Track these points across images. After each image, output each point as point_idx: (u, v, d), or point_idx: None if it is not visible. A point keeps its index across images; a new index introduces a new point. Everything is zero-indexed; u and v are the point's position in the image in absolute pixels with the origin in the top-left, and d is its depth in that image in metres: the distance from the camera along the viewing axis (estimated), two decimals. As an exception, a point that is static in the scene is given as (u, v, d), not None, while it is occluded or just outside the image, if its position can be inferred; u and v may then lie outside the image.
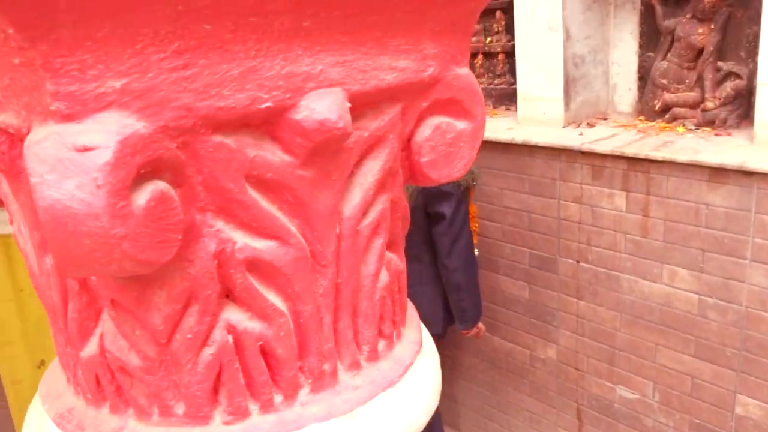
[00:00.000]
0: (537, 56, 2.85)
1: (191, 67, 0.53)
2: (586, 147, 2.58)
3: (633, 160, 2.49)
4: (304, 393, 0.72)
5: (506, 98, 3.22)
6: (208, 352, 0.65)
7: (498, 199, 2.95)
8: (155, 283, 0.60)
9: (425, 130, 0.75)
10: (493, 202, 2.97)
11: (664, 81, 2.71)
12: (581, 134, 2.73)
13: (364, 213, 0.71)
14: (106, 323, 0.66)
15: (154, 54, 0.51)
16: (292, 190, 0.63)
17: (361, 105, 0.65)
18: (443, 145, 0.75)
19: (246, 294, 0.65)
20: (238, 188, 0.60)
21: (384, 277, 0.78)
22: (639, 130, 2.71)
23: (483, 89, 3.29)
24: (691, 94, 2.66)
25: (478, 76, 3.35)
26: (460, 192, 2.46)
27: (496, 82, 3.28)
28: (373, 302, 0.76)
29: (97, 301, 0.66)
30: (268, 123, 0.60)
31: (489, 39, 3.23)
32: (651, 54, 2.79)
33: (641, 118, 2.85)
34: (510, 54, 3.13)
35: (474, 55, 3.32)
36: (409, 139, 0.75)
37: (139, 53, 0.51)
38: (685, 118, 2.69)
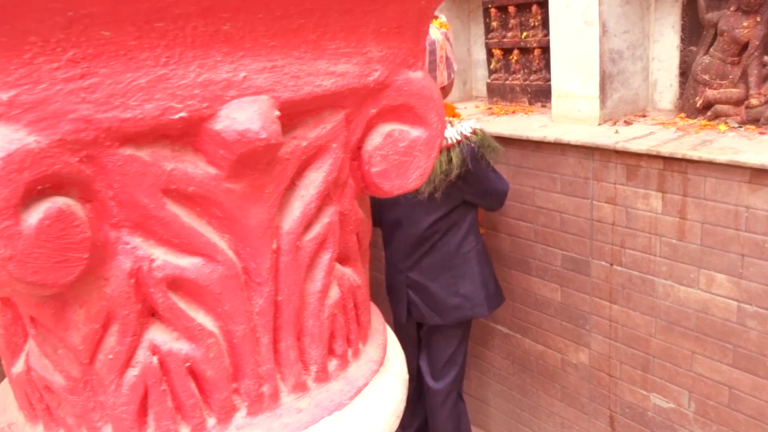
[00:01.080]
0: (572, 52, 2.75)
1: (90, 77, 0.50)
2: (620, 146, 2.48)
3: (669, 160, 2.38)
4: (240, 416, 0.69)
5: (542, 95, 3.13)
6: (131, 373, 0.63)
7: (530, 198, 2.87)
8: (74, 301, 0.58)
9: (376, 138, 0.70)
10: (525, 202, 2.89)
11: (706, 77, 2.59)
12: (617, 132, 2.63)
13: (307, 227, 0.67)
14: (31, 341, 0.64)
15: (46, 64, 0.48)
16: (219, 204, 0.60)
17: (297, 113, 0.62)
18: (396, 154, 0.70)
19: (170, 314, 0.62)
20: (154, 203, 0.57)
21: (334, 293, 0.74)
22: (678, 128, 2.59)
23: (518, 85, 3.21)
24: (735, 90, 2.53)
25: (513, 72, 3.27)
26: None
27: (531, 78, 3.19)
28: (320, 320, 0.72)
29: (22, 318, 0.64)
30: (189, 134, 0.57)
31: (525, 34, 3.15)
32: (693, 48, 2.66)
33: (681, 115, 2.72)
34: (546, 49, 3.04)
35: (510, 51, 3.24)
36: (359, 148, 0.71)
37: (28, 63, 0.48)
38: (727, 115, 2.56)
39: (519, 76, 3.24)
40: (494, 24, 3.26)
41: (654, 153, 2.40)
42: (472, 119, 2.52)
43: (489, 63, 3.37)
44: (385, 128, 0.71)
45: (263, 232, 0.64)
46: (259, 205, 0.62)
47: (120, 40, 0.50)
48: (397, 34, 0.66)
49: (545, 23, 2.99)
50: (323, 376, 0.75)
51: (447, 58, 2.41)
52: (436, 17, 2.48)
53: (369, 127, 0.70)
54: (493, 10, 3.24)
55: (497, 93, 3.34)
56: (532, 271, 2.96)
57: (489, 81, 3.37)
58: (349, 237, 0.76)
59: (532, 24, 3.11)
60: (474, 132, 2.39)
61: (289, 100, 0.60)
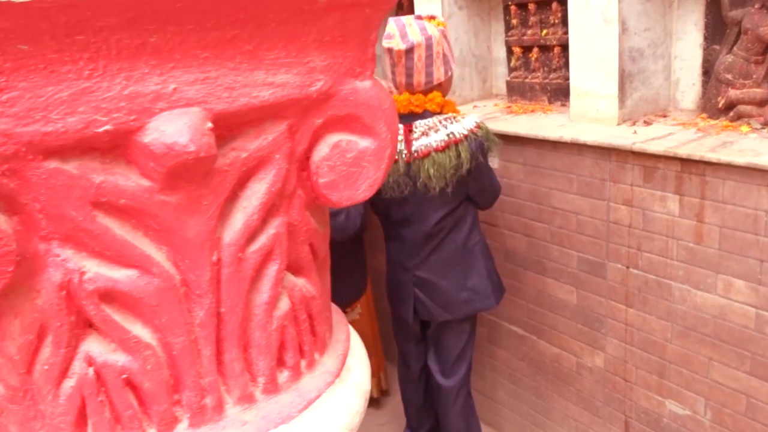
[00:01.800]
0: (591, 50, 2.70)
1: (9, 91, 0.50)
2: (637, 147, 2.43)
3: (687, 162, 2.32)
4: (182, 428, 0.69)
5: (561, 94, 3.08)
6: (68, 384, 0.63)
7: (546, 199, 2.83)
8: (9, 312, 0.58)
9: (323, 149, 0.69)
10: (541, 203, 2.85)
11: (729, 76, 2.52)
12: (635, 133, 2.57)
13: (250, 238, 0.67)
14: (-26, 347, 0.65)
15: (-38, 79, 0.48)
16: (154, 216, 0.60)
17: (236, 124, 0.61)
18: (343, 164, 0.69)
19: (104, 325, 0.62)
20: (83, 216, 0.57)
21: (284, 305, 0.73)
22: (699, 129, 2.53)
23: (537, 84, 3.16)
24: (758, 90, 2.46)
25: (533, 71, 3.22)
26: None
27: (551, 76, 3.15)
28: (267, 332, 0.72)
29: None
30: (120, 147, 0.57)
31: (545, 31, 3.10)
32: (716, 47, 2.59)
33: (703, 115, 2.66)
34: (566, 47, 2.99)
35: (529, 49, 3.20)
36: (308, 158, 0.70)
37: (-58, 78, 0.48)
38: (750, 116, 2.49)
39: (538, 74, 3.20)
40: (514, 21, 3.22)
41: (671, 154, 2.34)
42: (474, 114, 2.52)
43: (509, 61, 3.33)
44: (333, 138, 0.70)
45: (202, 243, 0.63)
46: (197, 216, 0.62)
47: (39, 54, 0.50)
48: (341, 43, 0.65)
49: (565, 21, 2.94)
50: (272, 388, 0.75)
51: (444, 55, 2.42)
52: (433, 17, 2.48)
53: (316, 138, 0.69)
54: (513, 8, 3.20)
55: (517, 91, 3.30)
56: (547, 272, 2.92)
57: (508, 79, 3.33)
58: (300, 248, 0.75)
59: (552, 21, 3.06)
60: (479, 126, 2.40)
61: (224, 111, 0.59)
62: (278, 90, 0.62)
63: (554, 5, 3.02)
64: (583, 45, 2.72)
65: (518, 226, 2.99)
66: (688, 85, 2.78)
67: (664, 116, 2.77)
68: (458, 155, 2.35)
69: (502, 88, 3.46)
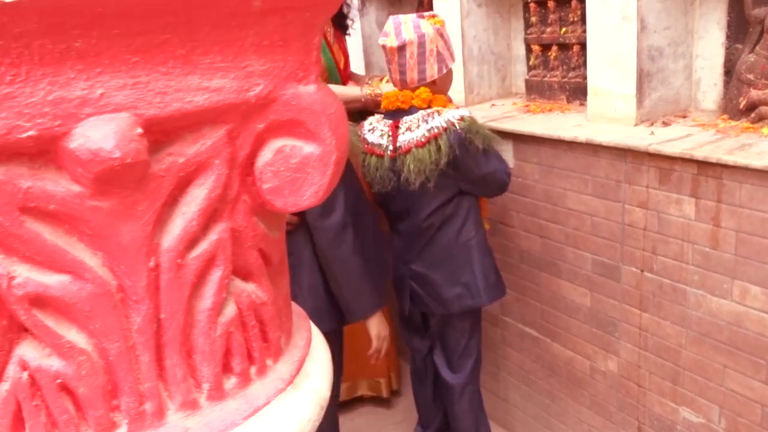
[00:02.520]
0: (609, 49, 2.65)
1: (-71, 97, 0.50)
2: (653, 148, 2.38)
3: (703, 164, 2.27)
4: None
5: (580, 93, 3.03)
6: (3, 387, 0.64)
7: (561, 200, 2.79)
8: (-53, 314, 0.58)
9: (266, 154, 0.68)
10: (556, 203, 2.81)
11: (751, 76, 2.45)
12: (652, 134, 2.52)
13: (190, 244, 0.66)
14: None
15: None
16: (86, 222, 0.59)
17: (173, 129, 0.60)
18: (287, 170, 0.68)
19: (37, 330, 0.62)
20: (10, 221, 0.57)
21: (230, 311, 0.73)
22: (718, 131, 2.46)
23: (556, 82, 3.12)
24: (781, 91, 2.39)
25: (551, 69, 3.18)
26: None
27: (570, 75, 3.10)
28: (211, 338, 0.71)
29: None
30: (50, 152, 0.56)
31: (564, 30, 3.05)
32: (739, 46, 2.52)
33: (724, 116, 2.59)
34: (585, 46, 2.93)
35: (549, 47, 3.15)
36: (253, 164, 0.69)
37: None
38: (772, 118, 2.42)
39: (557, 73, 3.15)
40: (533, 19, 3.17)
41: (687, 156, 2.29)
42: (463, 108, 2.53)
43: (528, 59, 3.29)
44: (276, 144, 0.69)
45: (137, 249, 0.63)
46: (132, 222, 0.62)
47: (-43, 60, 0.50)
48: (281, 47, 0.64)
49: (584, 19, 2.88)
50: (218, 395, 0.74)
51: (438, 52, 2.44)
52: (433, 15, 2.50)
53: (259, 143, 0.69)
54: (532, 5, 3.15)
55: (535, 90, 3.25)
56: (562, 274, 2.88)
57: (527, 78, 3.29)
58: (248, 253, 0.74)
59: (572, 19, 3.01)
60: (462, 119, 2.39)
61: (155, 117, 0.59)
62: (214, 95, 0.62)
63: (573, 3, 2.97)
64: (601, 43, 2.67)
65: (533, 227, 2.95)
66: (710, 86, 2.71)
67: (684, 117, 2.71)
68: (438, 149, 2.36)
69: (521, 86, 3.42)
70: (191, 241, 0.67)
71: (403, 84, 2.51)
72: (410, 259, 2.66)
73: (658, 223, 2.45)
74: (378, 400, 3.74)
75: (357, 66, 4.12)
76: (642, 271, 2.55)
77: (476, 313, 2.81)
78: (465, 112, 2.45)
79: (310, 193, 0.70)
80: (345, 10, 3.16)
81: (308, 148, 0.69)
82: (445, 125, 2.38)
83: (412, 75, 2.47)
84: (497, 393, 3.42)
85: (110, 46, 0.55)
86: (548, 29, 3.12)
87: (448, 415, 2.97)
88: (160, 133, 0.58)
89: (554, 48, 3.12)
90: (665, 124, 2.63)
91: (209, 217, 0.67)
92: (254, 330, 0.77)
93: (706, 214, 2.30)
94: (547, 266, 2.94)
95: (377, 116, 2.64)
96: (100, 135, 0.55)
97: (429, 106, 2.47)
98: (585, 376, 2.90)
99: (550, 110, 3.11)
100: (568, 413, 3.04)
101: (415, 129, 2.42)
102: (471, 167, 2.46)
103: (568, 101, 3.13)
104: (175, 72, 0.59)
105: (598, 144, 2.56)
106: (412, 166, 2.39)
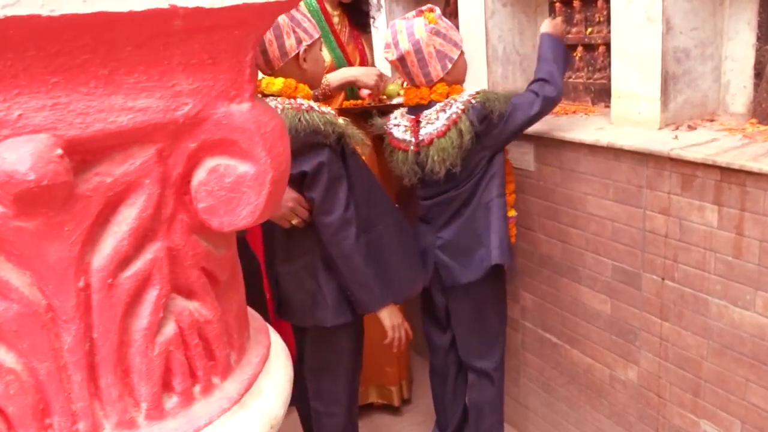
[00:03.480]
0: (633, 50, 2.58)
1: None
2: (675, 153, 2.31)
3: (727, 171, 2.19)
4: None
5: (605, 95, 2.96)
6: None
7: (581, 204, 2.73)
8: None
9: (201, 173, 0.67)
10: (576, 208, 2.76)
11: (781, 79, 2.36)
12: (675, 138, 2.44)
13: (122, 264, 0.66)
14: None
15: None
16: (11, 242, 0.59)
17: (99, 149, 0.60)
18: (222, 189, 0.67)
19: None
20: None
21: (169, 330, 0.72)
22: (745, 135, 2.38)
23: (581, 84, 3.05)
24: (812, 95, 2.30)
25: (576, 70, 3.11)
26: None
27: (595, 76, 3.03)
28: (148, 358, 0.70)
29: None
30: (-30, 172, 0.56)
31: (589, 30, 2.98)
32: (769, 47, 2.44)
33: (753, 121, 2.50)
34: (610, 47, 2.87)
35: (574, 47, 3.09)
36: (189, 183, 0.68)
37: None
38: (802, 123, 2.33)
39: (582, 74, 3.09)
40: (558, 19, 3.11)
41: (710, 162, 2.22)
42: (475, 86, 2.57)
43: (553, 59, 3.22)
44: (211, 163, 0.67)
45: (65, 269, 0.63)
46: (58, 242, 0.61)
47: None
48: (210, 66, 0.63)
49: (610, 19, 2.82)
50: (157, 414, 0.74)
51: (438, 51, 2.48)
52: (432, 10, 2.51)
53: (193, 162, 0.67)
54: (557, 5, 3.09)
55: (560, 91, 3.19)
56: (581, 280, 2.82)
57: (552, 78, 3.22)
58: (189, 272, 0.73)
59: (597, 19, 2.94)
60: (477, 93, 2.46)
61: (77, 137, 0.58)
62: (139, 115, 0.61)
63: (599, 3, 2.91)
64: (626, 44, 2.61)
65: (553, 231, 2.89)
66: (739, 88, 2.62)
67: (712, 120, 2.62)
68: (460, 133, 2.42)
69: (546, 87, 3.35)
70: (123, 260, 0.66)
71: (418, 86, 2.58)
72: (439, 227, 2.70)
73: (680, 230, 2.38)
74: (389, 408, 3.69)
75: (383, 68, 4.09)
76: (663, 279, 2.48)
77: (499, 287, 2.81)
78: (477, 88, 2.50)
79: (246, 213, 0.68)
80: (365, 8, 3.13)
81: (243, 168, 0.68)
82: (463, 107, 2.44)
83: (420, 79, 2.55)
84: (518, 399, 3.38)
85: (27, 68, 0.55)
86: (573, 29, 3.06)
87: (469, 409, 2.96)
88: (86, 153, 0.57)
89: (579, 48, 3.06)
90: (691, 127, 2.55)
91: (142, 237, 0.66)
92: (198, 348, 0.76)
93: (729, 222, 2.23)
94: (567, 271, 2.88)
95: (401, 110, 2.67)
96: (16, 157, 0.54)
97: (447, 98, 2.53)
98: (604, 384, 2.84)
99: (573, 112, 3.05)
100: (586, 422, 2.98)
101: (434, 121, 2.49)
102: (501, 132, 2.53)
103: (593, 103, 3.06)
104: (97, 92, 0.58)
105: (619, 148, 2.50)
106: (435, 157, 2.46)
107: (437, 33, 2.49)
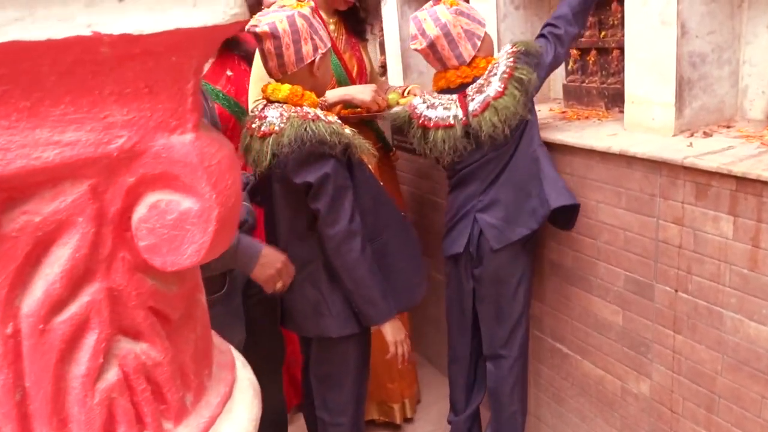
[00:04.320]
0: (647, 54, 2.51)
1: None
2: (689, 161, 2.23)
3: (743, 180, 2.11)
4: None
5: (619, 99, 2.88)
6: None
7: (593, 212, 2.66)
8: None
9: (141, 210, 0.62)
10: (588, 216, 2.68)
11: (801, 85, 2.27)
12: (690, 145, 2.36)
13: (55, 308, 0.61)
14: None
15: None
16: None
17: (25, 186, 0.55)
18: (164, 227, 0.62)
19: None
20: None
21: (112, 375, 0.67)
22: (762, 143, 2.30)
23: (594, 88, 2.98)
24: (833, 102, 2.21)
25: (590, 74, 3.04)
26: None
27: (609, 81, 2.95)
28: (88, 407, 0.66)
29: None
30: None
31: (603, 33, 2.91)
32: (789, 52, 2.35)
33: (771, 128, 2.41)
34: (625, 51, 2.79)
35: (587, 51, 3.01)
36: (130, 219, 0.63)
37: None
38: (823, 130, 2.24)
39: (596, 78, 3.01)
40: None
41: (725, 171, 2.14)
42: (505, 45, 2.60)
43: (566, 64, 3.15)
44: (151, 198, 0.62)
45: None
46: None
47: None
48: (148, 95, 0.58)
49: (624, 22, 2.74)
50: None
51: (465, 31, 2.49)
52: None
53: (133, 197, 0.63)
54: (571, 7, 3.01)
55: (573, 96, 3.12)
56: (593, 290, 2.75)
57: (565, 83, 3.16)
58: (135, 312, 0.69)
59: (612, 23, 2.86)
60: (514, 45, 2.51)
61: None
62: (66, 149, 0.56)
63: (614, 5, 2.83)
64: (640, 48, 2.53)
65: (564, 239, 2.82)
66: (757, 94, 2.53)
67: (728, 127, 2.54)
68: (520, 82, 2.44)
69: (560, 91, 3.28)
70: (56, 304, 0.62)
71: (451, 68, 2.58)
72: (482, 190, 2.66)
73: (694, 241, 2.31)
74: (391, 426, 3.58)
75: (395, 70, 4.04)
76: (676, 291, 2.41)
77: (526, 270, 2.77)
78: (509, 43, 2.56)
79: (191, 252, 0.63)
80: (362, 15, 3.07)
81: (186, 204, 0.63)
82: (512, 59, 2.47)
83: (453, 62, 2.53)
84: (529, 409, 3.31)
85: (-61, 102, 0.51)
86: (587, 33, 2.98)
87: (490, 396, 2.90)
88: (11, 191, 0.53)
89: (593, 52, 2.98)
90: (706, 134, 2.47)
91: (78, 278, 0.62)
92: (145, 393, 0.72)
93: (744, 234, 2.15)
94: (578, 280, 2.81)
95: (429, 92, 2.66)
96: (-75, 196, 0.51)
97: None
98: (616, 397, 2.76)
99: (587, 117, 2.97)
100: (598, 435, 2.91)
101: (486, 89, 2.49)
102: (545, 65, 2.57)
103: (607, 108, 2.98)
104: (19, 126, 0.54)
105: (631, 155, 2.43)
106: (495, 119, 2.44)
107: (461, 13, 2.50)
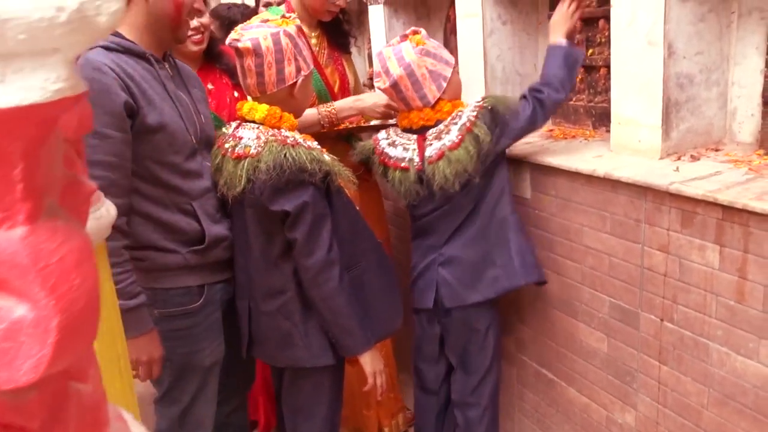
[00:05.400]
0: (634, 75, 2.43)
1: None
2: (674, 187, 2.16)
3: (729, 209, 2.04)
4: None
5: (607, 118, 2.81)
6: None
7: (578, 236, 2.58)
8: None
9: None
10: (572, 239, 2.61)
11: (791, 109, 2.20)
12: (676, 170, 2.29)
13: None
14: None
15: None
16: None
17: None
18: None
19: None
20: None
21: None
22: (751, 169, 2.22)
23: (582, 107, 2.91)
24: (824, 127, 2.13)
25: (577, 92, 2.96)
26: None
27: (596, 99, 2.88)
28: None
29: None
30: None
31: (590, 51, 2.83)
32: (779, 74, 2.27)
33: (760, 152, 2.34)
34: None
35: (574, 68, 2.93)
36: None
37: None
38: (813, 157, 2.17)
39: (583, 96, 2.93)
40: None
41: (711, 199, 2.06)
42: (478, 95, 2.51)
43: (553, 80, 3.07)
44: None
45: None
46: None
47: None
48: None
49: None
50: None
51: (430, 72, 2.38)
52: (416, 32, 2.42)
53: None
54: (558, 24, 2.94)
55: (560, 114, 3.05)
56: (578, 315, 2.67)
57: (552, 100, 3.07)
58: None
59: (599, 40, 2.79)
60: (483, 99, 2.38)
61: None
62: None
63: (601, 23, 2.76)
64: (626, 69, 2.46)
65: (549, 263, 2.75)
66: (746, 116, 2.46)
67: (717, 150, 2.46)
68: (476, 139, 2.33)
69: (547, 108, 3.20)
70: None
71: (414, 110, 2.48)
72: (441, 243, 2.56)
73: (680, 269, 2.23)
74: None
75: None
76: (662, 320, 2.33)
77: (494, 319, 2.69)
78: (482, 95, 2.48)
79: (27, 368, 0.54)
80: (345, 27, 3.00)
81: (19, 311, 0.53)
82: (475, 114, 2.35)
83: (417, 103, 2.44)
84: (513, 434, 3.23)
85: None
86: (574, 50, 2.90)
87: None
88: None
89: (580, 70, 2.90)
90: (694, 158, 2.40)
91: None
92: None
93: (731, 265, 2.07)
94: (562, 305, 2.73)
95: (392, 129, 2.57)
96: None
97: None
98: (601, 426, 2.69)
99: (573, 137, 2.90)
100: (583, 464, 2.83)
101: (444, 136, 2.38)
102: (504, 133, 2.44)
103: (594, 127, 2.91)
104: None
105: (616, 179, 2.35)
106: (447, 171, 2.34)
107: (427, 53, 2.39)
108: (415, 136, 2.48)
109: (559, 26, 2.49)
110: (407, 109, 2.48)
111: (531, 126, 2.48)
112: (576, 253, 2.61)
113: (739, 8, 2.38)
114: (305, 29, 2.87)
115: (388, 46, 2.45)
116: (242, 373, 2.66)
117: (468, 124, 2.35)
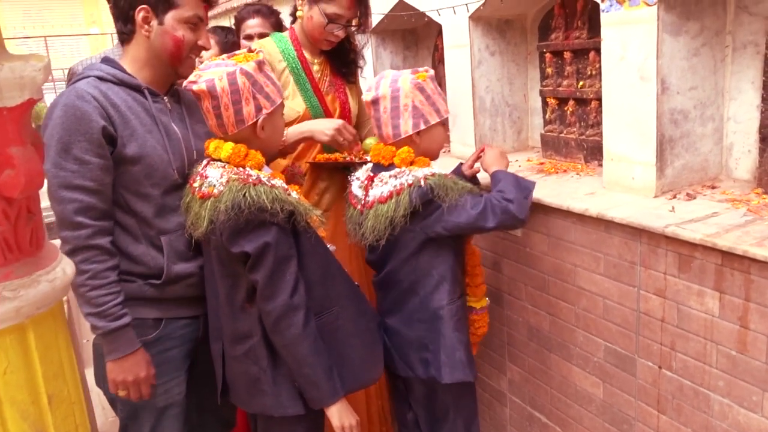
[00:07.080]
0: (626, 111, 2.35)
1: None
2: (670, 230, 2.06)
3: (729, 255, 1.94)
4: None
5: (598, 152, 2.72)
6: None
7: (570, 276, 2.48)
8: None
9: None
10: (566, 280, 2.51)
11: (790, 147, 2.11)
12: (672, 210, 2.20)
13: None
14: None
15: None
16: None
17: None
18: None
19: None
20: None
21: None
22: (749, 210, 2.13)
23: (573, 140, 2.82)
24: (825, 167, 2.05)
25: (568, 125, 2.88)
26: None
27: (588, 133, 2.79)
28: None
29: None
30: None
31: (581, 83, 2.75)
32: (777, 109, 2.19)
33: (758, 190, 2.25)
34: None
35: (565, 101, 2.85)
36: None
37: None
38: (814, 197, 2.08)
39: (574, 129, 2.85)
40: (549, 70, 2.88)
41: (709, 244, 1.96)
42: (436, 167, 2.29)
43: (544, 112, 2.99)
44: None
45: None
46: None
47: None
48: None
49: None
50: None
51: (414, 107, 2.27)
52: (427, 70, 2.35)
53: None
54: (548, 55, 2.86)
55: (551, 146, 2.96)
56: (572, 358, 2.57)
57: (543, 133, 3.00)
58: None
59: (590, 73, 2.71)
60: (432, 175, 2.20)
61: None
62: None
63: (592, 54, 2.67)
64: (618, 104, 2.37)
65: (542, 303, 2.65)
66: (743, 152, 2.37)
67: (713, 187, 2.37)
68: (397, 205, 2.18)
69: (538, 140, 3.12)
70: None
71: (381, 138, 2.36)
72: (385, 311, 2.46)
73: (678, 315, 2.13)
74: None
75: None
76: (660, 367, 2.23)
77: (465, 390, 2.50)
78: (436, 170, 2.25)
79: None
80: (351, 56, 2.89)
81: None
82: (411, 182, 2.19)
83: (387, 130, 2.31)
84: (507, 478, 3.12)
85: None
86: (564, 82, 2.82)
87: None
88: None
89: (571, 102, 2.82)
90: (689, 196, 2.30)
91: None
92: None
93: (732, 313, 1.97)
94: (556, 347, 2.63)
95: (368, 166, 2.44)
96: None
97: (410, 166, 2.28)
98: (598, 475, 2.57)
99: (564, 171, 2.81)
100: None
101: (383, 185, 2.27)
102: (438, 221, 2.22)
103: (586, 161, 2.82)
104: None
105: (609, 220, 2.25)
106: (370, 223, 2.24)
107: (421, 90, 2.27)
108: (367, 175, 2.36)
109: (496, 164, 2.38)
110: (377, 131, 2.36)
111: (475, 225, 2.22)
112: (569, 294, 2.51)
113: (733, 42, 2.31)
114: (308, 56, 2.78)
115: (395, 70, 2.38)
116: (221, 416, 2.55)
117: (399, 187, 2.20)
